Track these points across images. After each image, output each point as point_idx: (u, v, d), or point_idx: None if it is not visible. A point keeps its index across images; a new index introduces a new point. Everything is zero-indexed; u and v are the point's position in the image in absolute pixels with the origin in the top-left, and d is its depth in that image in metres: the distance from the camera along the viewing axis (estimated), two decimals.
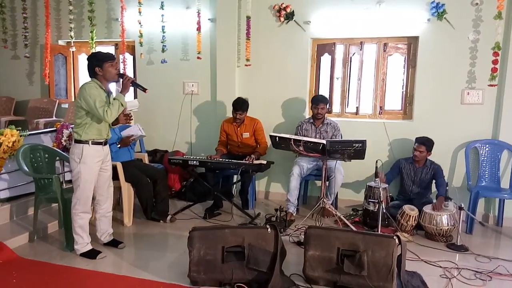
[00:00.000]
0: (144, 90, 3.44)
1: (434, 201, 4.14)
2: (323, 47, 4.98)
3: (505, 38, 4.26)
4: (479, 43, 4.34)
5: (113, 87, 3.45)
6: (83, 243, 3.39)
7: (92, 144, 3.28)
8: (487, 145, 4.41)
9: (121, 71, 3.36)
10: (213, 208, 4.57)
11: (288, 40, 4.97)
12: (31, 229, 3.73)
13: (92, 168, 3.31)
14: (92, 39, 5.46)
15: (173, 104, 5.51)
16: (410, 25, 4.54)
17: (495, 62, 4.27)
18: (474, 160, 4.47)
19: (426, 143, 4.22)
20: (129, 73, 5.58)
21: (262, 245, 2.91)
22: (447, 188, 3.97)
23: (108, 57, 3.26)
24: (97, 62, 3.24)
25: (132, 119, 3.71)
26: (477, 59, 4.37)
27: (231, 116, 4.75)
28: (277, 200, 5.11)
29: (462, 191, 4.43)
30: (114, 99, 3.25)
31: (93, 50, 5.37)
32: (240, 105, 4.63)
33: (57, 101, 6.02)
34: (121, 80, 3.32)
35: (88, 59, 3.30)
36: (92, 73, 3.28)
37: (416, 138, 4.30)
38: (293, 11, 4.87)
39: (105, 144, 3.41)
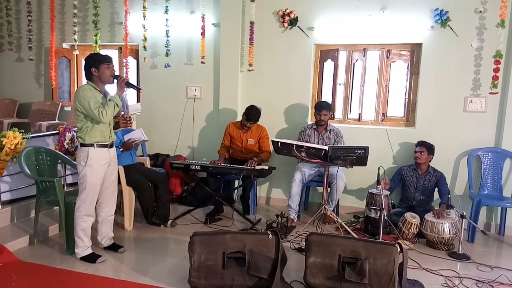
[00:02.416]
0: (139, 90, 3.49)
1: (436, 208, 4.13)
2: (326, 53, 4.99)
3: (509, 46, 4.26)
4: (483, 51, 4.33)
5: (112, 91, 3.47)
6: (83, 246, 3.38)
7: (97, 147, 3.30)
8: (489, 153, 4.40)
9: (117, 73, 3.39)
10: (214, 213, 4.56)
11: (291, 45, 4.98)
12: (31, 232, 3.73)
13: (97, 171, 3.32)
14: (96, 43, 5.48)
15: (175, 108, 5.52)
16: (414, 32, 4.54)
17: (496, 70, 4.27)
18: (476, 168, 4.45)
19: (426, 143, 4.26)
20: (132, 76, 5.60)
21: (263, 251, 2.90)
22: (449, 196, 3.96)
23: (105, 59, 3.30)
24: (94, 62, 3.27)
25: (131, 123, 3.72)
26: (480, 67, 4.36)
27: (237, 120, 4.73)
28: (278, 206, 5.10)
29: (464, 199, 4.41)
30: (109, 100, 3.25)
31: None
32: (254, 115, 4.60)
33: (60, 104, 6.03)
34: (116, 81, 3.35)
35: (85, 59, 3.33)
36: (88, 73, 3.30)
37: (417, 142, 4.33)
38: (296, 17, 4.89)
39: (110, 147, 3.42)
